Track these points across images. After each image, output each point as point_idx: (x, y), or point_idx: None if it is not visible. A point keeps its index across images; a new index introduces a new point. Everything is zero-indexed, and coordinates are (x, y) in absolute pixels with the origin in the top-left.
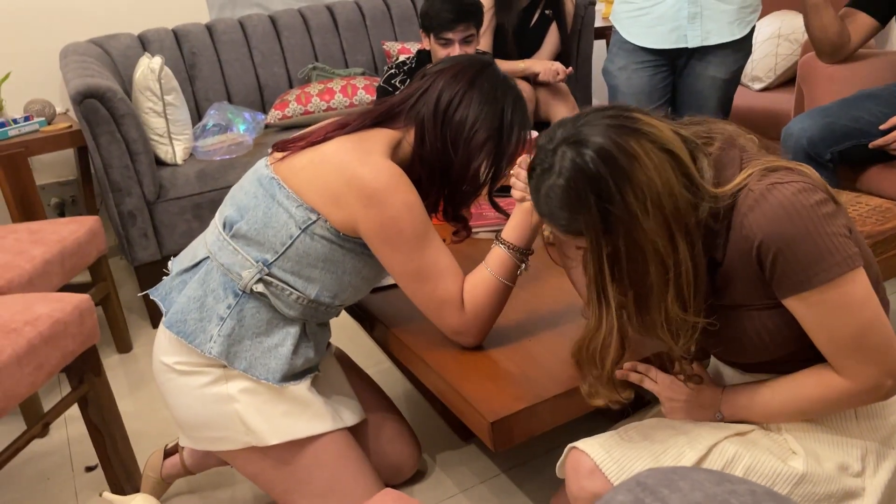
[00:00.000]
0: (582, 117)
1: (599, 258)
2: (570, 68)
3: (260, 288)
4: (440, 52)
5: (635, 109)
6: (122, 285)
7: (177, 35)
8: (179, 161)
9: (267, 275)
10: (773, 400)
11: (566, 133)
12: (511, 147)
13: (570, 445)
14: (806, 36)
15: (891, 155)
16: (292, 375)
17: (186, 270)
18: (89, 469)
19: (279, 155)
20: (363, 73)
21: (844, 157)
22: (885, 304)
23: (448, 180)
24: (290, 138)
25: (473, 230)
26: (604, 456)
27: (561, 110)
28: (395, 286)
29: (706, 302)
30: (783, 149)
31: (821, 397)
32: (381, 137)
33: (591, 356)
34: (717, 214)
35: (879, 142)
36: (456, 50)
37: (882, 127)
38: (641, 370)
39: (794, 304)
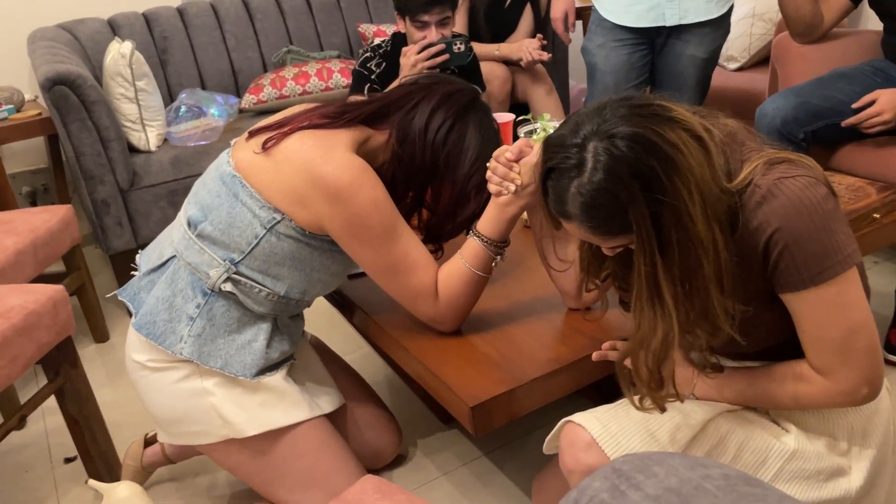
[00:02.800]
0: (606, 109)
1: (652, 253)
2: (549, 54)
3: (228, 287)
4: (416, 35)
5: (658, 98)
6: (97, 274)
7: (147, 19)
8: (153, 148)
9: (235, 273)
10: (749, 389)
11: (594, 126)
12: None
13: (564, 420)
14: (780, 16)
15: (863, 134)
16: (268, 368)
17: (154, 270)
18: (68, 460)
19: (243, 142)
20: (339, 57)
21: (817, 137)
22: (867, 291)
23: (425, 189)
24: (268, 124)
25: None
26: (601, 430)
27: (538, 91)
28: None
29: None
30: (757, 129)
31: (796, 393)
32: (348, 132)
33: (646, 363)
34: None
35: (851, 120)
36: (432, 33)
37: (854, 105)
38: (619, 348)
39: (790, 299)
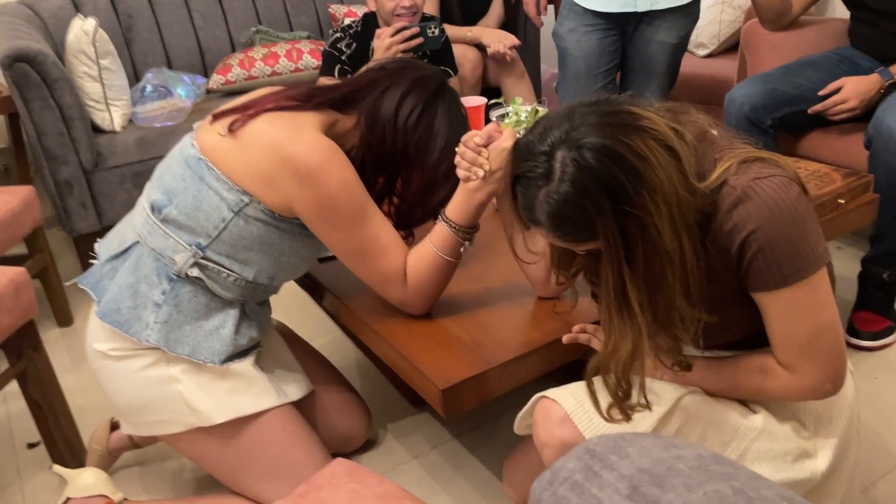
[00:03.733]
0: (575, 115)
1: (619, 264)
2: (518, 41)
3: (195, 272)
4: (388, 5)
5: (625, 101)
6: (60, 257)
7: None
8: (118, 128)
9: (202, 258)
10: (716, 379)
11: (561, 134)
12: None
13: (538, 395)
14: (749, 3)
15: (829, 121)
16: (236, 354)
17: (116, 257)
18: (31, 446)
19: (207, 125)
20: (308, 37)
21: (785, 123)
22: (832, 278)
23: (395, 175)
24: (232, 107)
25: None
26: (575, 406)
27: (510, 75)
28: None
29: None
30: (726, 115)
31: (761, 387)
32: (316, 115)
33: (615, 373)
34: (699, 211)
35: (818, 107)
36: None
37: (820, 93)
38: (590, 330)
39: (761, 298)
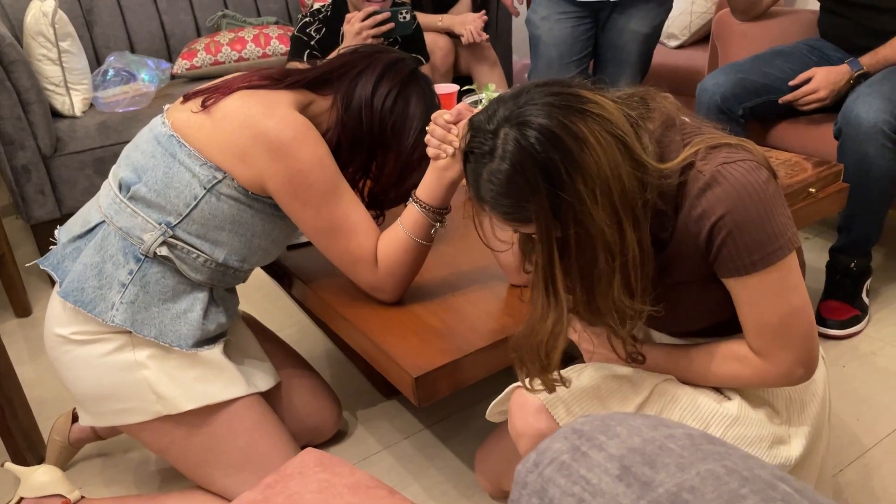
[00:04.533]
0: (523, 94)
1: (550, 246)
2: (485, 15)
3: (164, 251)
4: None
5: (578, 84)
6: (18, 246)
7: None
8: (78, 113)
9: (171, 237)
10: (690, 366)
11: (507, 112)
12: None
13: (514, 385)
14: None
15: (799, 111)
16: (204, 341)
17: (80, 237)
18: None
19: (178, 105)
20: (276, 23)
21: (755, 113)
22: (802, 266)
23: (372, 156)
24: (205, 87)
25: None
26: (551, 396)
27: (481, 63)
28: (311, 244)
29: (652, 285)
30: (697, 105)
31: (735, 373)
32: (290, 93)
33: (535, 348)
34: (664, 195)
35: (788, 97)
36: None
37: (791, 83)
38: (577, 330)
39: (731, 284)
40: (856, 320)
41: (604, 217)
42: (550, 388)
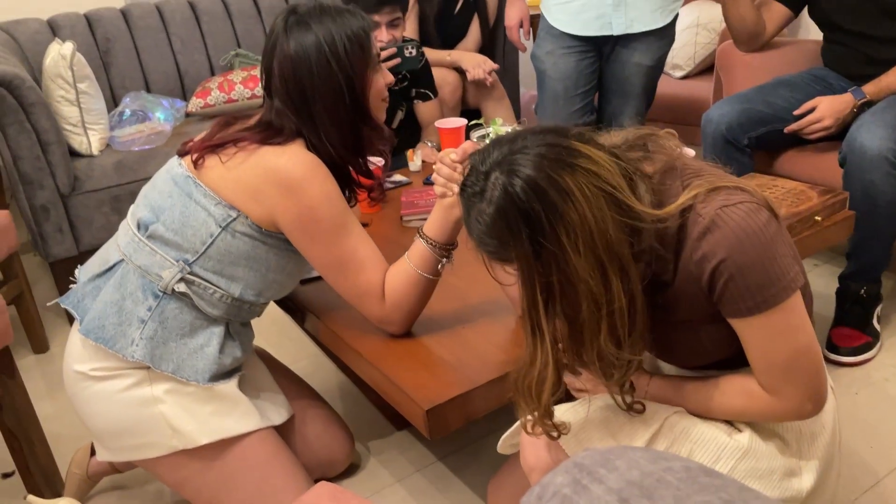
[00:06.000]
0: (518, 140)
1: (532, 289)
2: (496, 66)
3: (182, 288)
4: None
5: (576, 135)
6: (36, 283)
7: (89, 20)
8: (95, 152)
9: (189, 274)
10: (699, 398)
11: (500, 157)
12: (352, 55)
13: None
14: (724, 25)
15: (804, 139)
16: (220, 375)
17: (99, 276)
18: (6, 476)
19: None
20: None
21: (761, 142)
22: (808, 299)
23: (338, 120)
24: (196, 141)
25: (405, 218)
26: None
27: (490, 99)
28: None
29: (658, 323)
30: (703, 135)
31: (743, 408)
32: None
33: (526, 390)
34: (663, 239)
35: (793, 127)
36: (383, 33)
37: (795, 112)
38: (589, 388)
39: (736, 324)
40: (867, 347)
41: (587, 267)
42: (548, 435)
